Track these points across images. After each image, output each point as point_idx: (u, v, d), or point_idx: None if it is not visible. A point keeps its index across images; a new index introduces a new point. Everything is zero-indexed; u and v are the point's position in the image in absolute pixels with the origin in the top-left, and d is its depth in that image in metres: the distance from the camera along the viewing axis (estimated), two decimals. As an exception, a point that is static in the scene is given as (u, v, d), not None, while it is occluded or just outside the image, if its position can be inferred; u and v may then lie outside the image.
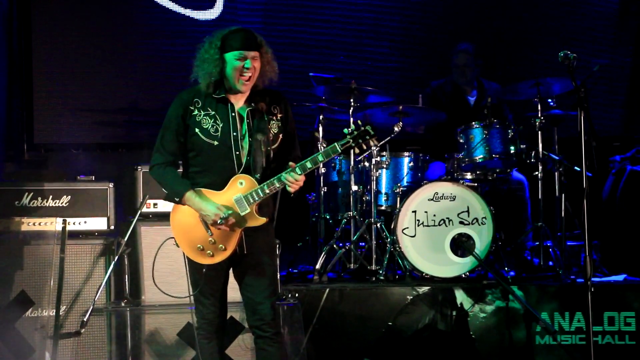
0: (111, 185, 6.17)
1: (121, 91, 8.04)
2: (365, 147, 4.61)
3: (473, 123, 6.94)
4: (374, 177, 6.90)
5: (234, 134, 4.59)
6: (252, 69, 4.57)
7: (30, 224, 5.95)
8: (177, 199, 4.61)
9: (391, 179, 7.07)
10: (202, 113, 4.61)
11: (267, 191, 4.56)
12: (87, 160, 7.61)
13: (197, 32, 8.10)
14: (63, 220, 5.91)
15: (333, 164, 7.21)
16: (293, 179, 4.52)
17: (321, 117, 7.17)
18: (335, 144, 4.57)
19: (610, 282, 6.81)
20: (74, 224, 6.01)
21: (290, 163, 4.58)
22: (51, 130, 7.92)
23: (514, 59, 8.55)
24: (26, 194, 5.98)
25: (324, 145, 7.03)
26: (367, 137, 4.58)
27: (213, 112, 4.61)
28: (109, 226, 6.13)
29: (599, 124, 8.24)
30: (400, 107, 6.99)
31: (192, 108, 4.61)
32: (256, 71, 4.60)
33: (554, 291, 6.48)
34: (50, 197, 6.02)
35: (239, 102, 4.66)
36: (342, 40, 8.45)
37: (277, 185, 4.55)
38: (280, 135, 4.68)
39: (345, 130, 4.61)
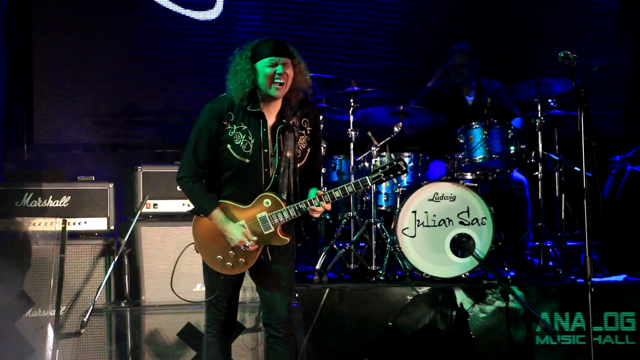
0: (111, 185, 6.17)
1: (121, 91, 8.04)
2: (395, 181, 4.60)
3: (473, 123, 6.94)
4: (374, 177, 6.90)
5: (265, 150, 4.56)
6: (284, 75, 4.51)
7: (30, 224, 5.95)
8: (202, 215, 4.61)
9: (391, 179, 7.05)
10: (235, 128, 4.56)
11: (293, 214, 4.55)
12: (87, 160, 7.60)
13: (197, 32, 8.11)
14: (63, 220, 5.91)
15: (333, 164, 7.22)
16: (320, 209, 4.52)
17: (321, 117, 7.16)
18: (367, 177, 4.57)
19: (610, 282, 6.82)
20: (74, 224, 6.02)
21: (318, 191, 4.55)
22: (51, 130, 7.91)
23: (514, 59, 8.55)
24: (26, 194, 5.98)
25: (324, 146, 7.05)
26: (399, 172, 4.59)
27: (245, 127, 4.56)
28: (109, 226, 6.13)
29: (599, 123, 8.23)
30: (401, 107, 6.99)
31: (225, 123, 4.55)
32: (289, 78, 4.54)
33: (554, 291, 6.49)
34: (50, 197, 6.02)
35: (271, 116, 4.60)
36: (342, 40, 8.45)
37: (303, 210, 4.54)
38: (309, 150, 4.67)
39: (378, 163, 4.59)
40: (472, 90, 7.84)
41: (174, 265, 4.86)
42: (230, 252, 4.58)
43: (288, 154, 4.56)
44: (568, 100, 7.05)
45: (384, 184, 7.03)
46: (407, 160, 7.05)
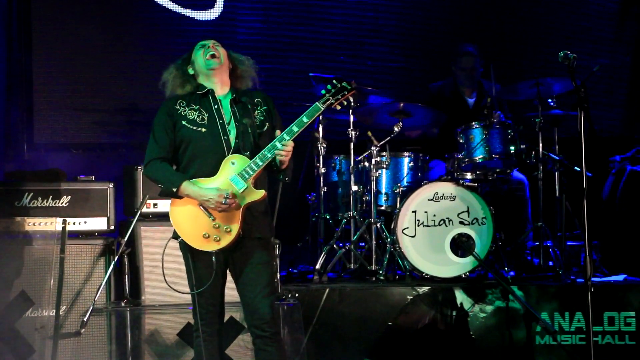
0: (111, 185, 6.17)
1: (121, 91, 8.04)
2: (345, 103, 4.69)
3: (473, 123, 6.93)
4: (374, 177, 6.91)
5: (220, 121, 4.70)
6: (213, 47, 4.74)
7: (30, 224, 5.94)
8: (174, 190, 4.63)
9: (391, 179, 7.06)
10: (187, 109, 4.73)
11: (260, 163, 4.60)
12: (87, 160, 7.61)
13: (197, 32, 8.10)
14: (63, 220, 5.91)
15: (333, 164, 7.21)
16: (282, 147, 4.58)
17: (321, 117, 7.16)
18: (317, 102, 4.68)
19: (610, 282, 6.81)
20: (74, 224, 6.01)
21: (277, 131, 4.67)
22: (51, 130, 7.91)
23: (514, 59, 8.55)
24: (26, 194, 5.98)
25: (324, 145, 7.05)
26: (345, 92, 4.70)
27: (197, 107, 4.73)
28: (109, 226, 6.13)
29: (599, 124, 8.23)
30: (401, 104, 6.98)
31: (177, 107, 4.74)
32: (221, 53, 4.74)
33: (554, 291, 6.49)
34: (50, 197, 6.02)
35: (220, 94, 4.78)
36: (342, 40, 8.45)
37: (269, 156, 4.60)
38: (267, 124, 4.76)
39: (323, 91, 4.72)
40: (473, 92, 7.82)
41: (161, 261, 4.85)
42: (214, 223, 4.59)
43: (245, 121, 4.69)
44: (568, 100, 7.05)
45: (383, 184, 7.04)
46: (407, 160, 7.07)
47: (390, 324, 6.34)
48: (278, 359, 4.67)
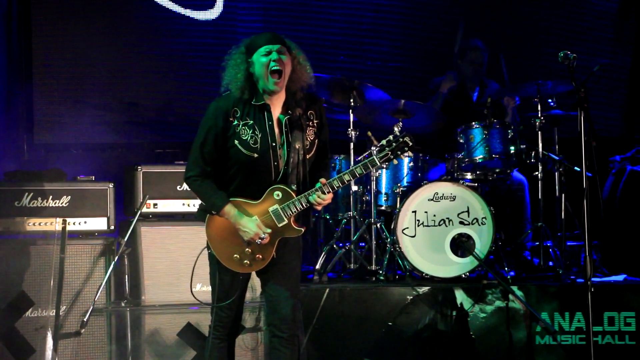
0: (111, 185, 6.17)
1: (121, 91, 8.03)
2: (402, 158, 4.54)
3: (473, 123, 6.93)
4: (374, 177, 6.91)
5: (273, 144, 4.56)
6: (279, 60, 4.51)
7: (30, 224, 5.95)
8: (214, 212, 4.59)
9: (391, 179, 7.07)
10: (241, 123, 4.56)
11: (304, 204, 4.54)
12: (87, 160, 7.60)
13: (197, 32, 8.10)
14: (63, 220, 5.91)
15: (333, 164, 7.21)
16: (324, 198, 4.51)
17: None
18: (374, 156, 4.51)
19: (610, 282, 6.81)
20: (74, 224, 6.02)
21: (322, 180, 4.54)
22: (51, 130, 7.91)
23: (514, 59, 8.55)
24: (26, 194, 5.98)
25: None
26: (406, 149, 4.51)
27: (251, 122, 4.56)
28: (109, 226, 6.13)
29: (599, 124, 8.23)
30: (402, 101, 6.96)
31: (231, 119, 4.56)
32: (285, 66, 4.55)
33: (554, 291, 6.48)
34: (50, 197, 6.02)
35: (276, 108, 4.61)
36: (342, 40, 8.45)
37: (312, 200, 4.52)
38: (316, 142, 4.66)
39: (384, 142, 4.51)
40: (476, 86, 7.83)
41: (192, 269, 4.79)
42: (247, 249, 4.57)
43: (297, 145, 4.55)
44: (568, 100, 7.05)
45: (383, 184, 7.04)
46: (407, 160, 7.07)
47: (390, 324, 6.34)
48: None
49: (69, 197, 6.06)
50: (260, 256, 4.58)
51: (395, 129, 6.89)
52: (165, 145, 8.07)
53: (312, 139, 4.63)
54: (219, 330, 4.74)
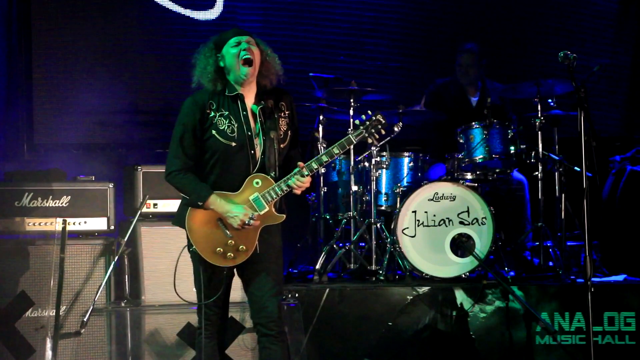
0: (111, 185, 6.17)
1: (121, 91, 8.02)
2: (378, 136, 4.63)
3: (473, 123, 6.93)
4: (374, 177, 6.91)
5: (249, 133, 4.62)
6: (249, 49, 4.60)
7: (30, 224, 5.95)
8: (200, 203, 4.60)
9: (391, 179, 7.07)
10: (217, 114, 4.62)
11: (284, 189, 4.58)
12: (87, 160, 7.60)
13: (197, 32, 8.10)
14: (63, 220, 5.91)
15: (333, 164, 7.22)
16: (303, 180, 4.56)
17: (321, 117, 7.17)
18: (350, 135, 4.62)
19: (610, 282, 6.81)
20: (74, 224, 6.01)
21: (299, 163, 4.61)
22: (51, 130, 7.91)
23: (514, 59, 8.55)
24: (26, 194, 5.98)
25: (324, 146, 7.04)
26: (380, 126, 4.63)
27: (227, 112, 4.63)
28: (109, 226, 6.13)
29: (599, 123, 8.23)
30: (400, 106, 6.97)
31: (208, 111, 4.62)
32: (256, 56, 4.62)
33: (554, 291, 6.49)
34: (50, 197, 6.02)
35: (248, 99, 4.68)
36: (342, 40, 8.45)
37: (291, 184, 4.57)
38: (289, 133, 4.71)
39: (357, 121, 4.64)
40: (477, 92, 7.82)
41: (174, 267, 4.81)
42: (229, 241, 4.58)
43: (272, 135, 4.62)
44: (568, 100, 7.05)
45: (383, 184, 7.04)
46: (407, 160, 7.07)
47: (390, 324, 6.34)
48: (282, 358, 4.67)
49: (69, 197, 6.06)
50: (244, 247, 4.59)
51: (395, 129, 6.89)
52: (165, 146, 8.02)
53: (284, 129, 4.70)
54: (208, 329, 4.74)
